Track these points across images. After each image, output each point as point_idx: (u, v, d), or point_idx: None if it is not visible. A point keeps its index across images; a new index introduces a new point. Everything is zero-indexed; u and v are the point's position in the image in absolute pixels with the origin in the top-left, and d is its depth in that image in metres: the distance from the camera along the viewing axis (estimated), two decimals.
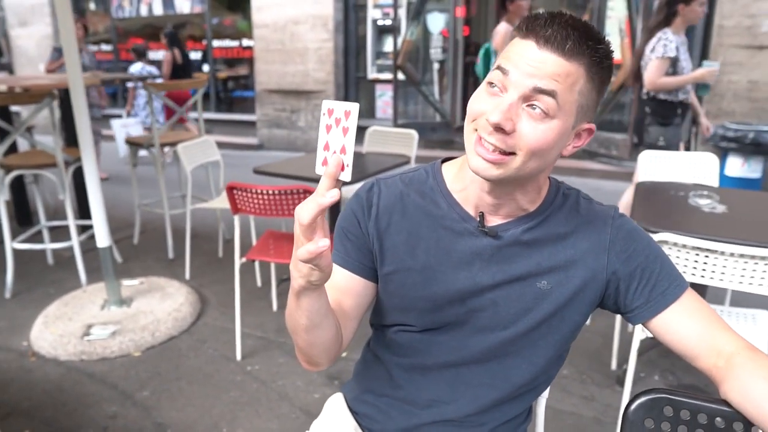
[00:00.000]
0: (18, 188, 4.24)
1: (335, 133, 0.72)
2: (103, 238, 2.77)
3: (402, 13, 6.84)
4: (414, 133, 3.47)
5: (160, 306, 2.84)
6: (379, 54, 7.33)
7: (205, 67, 8.71)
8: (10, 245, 3.17)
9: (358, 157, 3.34)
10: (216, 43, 8.52)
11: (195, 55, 8.83)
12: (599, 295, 0.93)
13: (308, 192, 2.18)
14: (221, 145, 3.80)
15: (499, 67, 0.80)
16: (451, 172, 0.97)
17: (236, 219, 2.44)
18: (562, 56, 0.77)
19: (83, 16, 9.96)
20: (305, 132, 7.61)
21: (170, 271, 3.42)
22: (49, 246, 3.39)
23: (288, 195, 2.22)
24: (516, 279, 0.92)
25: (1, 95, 3.18)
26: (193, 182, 3.34)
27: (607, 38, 0.81)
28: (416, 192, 0.97)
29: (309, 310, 0.82)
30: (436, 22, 6.82)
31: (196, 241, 3.76)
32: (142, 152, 5.03)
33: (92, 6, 9.99)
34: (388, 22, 7.03)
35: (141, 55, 7.03)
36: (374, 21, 7.16)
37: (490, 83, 0.81)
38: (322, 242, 0.70)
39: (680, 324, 0.90)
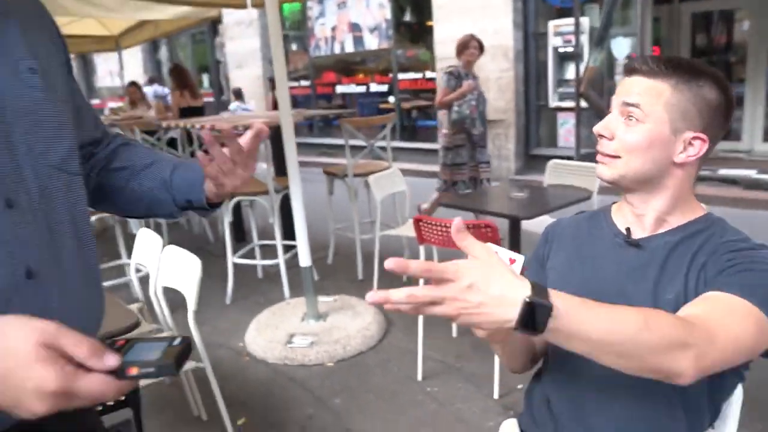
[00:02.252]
0: (236, 211, 4.94)
1: None
2: (305, 259, 3.15)
3: (584, 39, 6.69)
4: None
5: (352, 323, 3.14)
6: (560, 82, 7.22)
7: (391, 99, 9.30)
8: (231, 259, 3.73)
9: (538, 190, 3.38)
10: (401, 75, 9.07)
11: (381, 88, 9.49)
12: None
13: (489, 227, 2.29)
14: (405, 172, 4.07)
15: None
16: (616, 206, 1.17)
17: (421, 248, 2.64)
18: (644, 76, 1.02)
19: (286, 56, 11.26)
20: None
21: (359, 291, 3.75)
22: (259, 262, 3.92)
23: (471, 229, 2.35)
24: (653, 281, 1.03)
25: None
26: (384, 208, 3.64)
27: (708, 69, 1.02)
28: (587, 221, 1.19)
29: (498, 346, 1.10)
30: (622, 46, 6.55)
31: (382, 263, 4.06)
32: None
33: (294, 47, 11.23)
34: (570, 49, 6.91)
35: (238, 95, 8.34)
36: (555, 48, 7.09)
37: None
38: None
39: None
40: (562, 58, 7.13)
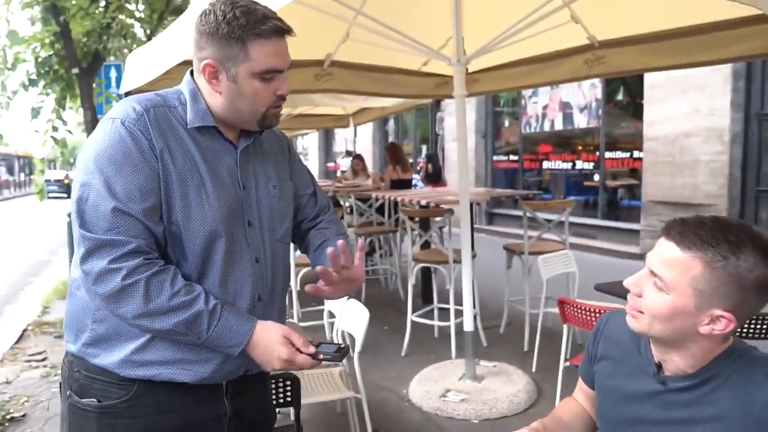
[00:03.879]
0: (426, 275, 5.53)
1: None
2: (468, 325, 3.56)
3: None
4: None
5: (503, 388, 3.44)
6: None
7: (596, 177, 9.28)
8: (410, 317, 4.29)
9: None
10: (608, 154, 9.03)
11: (587, 165, 9.52)
12: None
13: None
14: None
15: None
16: None
17: (565, 327, 2.88)
18: (677, 245, 1.05)
19: (499, 131, 11.91)
20: None
21: (521, 361, 4.00)
22: (435, 323, 4.41)
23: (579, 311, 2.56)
24: (674, 422, 1.14)
25: (419, 209, 4.43)
26: (556, 286, 3.89)
27: (755, 240, 1.00)
28: (629, 332, 1.21)
29: None
30: None
31: (548, 338, 4.24)
32: None
33: (506, 123, 11.85)
34: None
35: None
36: None
37: None
38: None
39: None
40: None
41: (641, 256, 7.87)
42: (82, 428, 1.29)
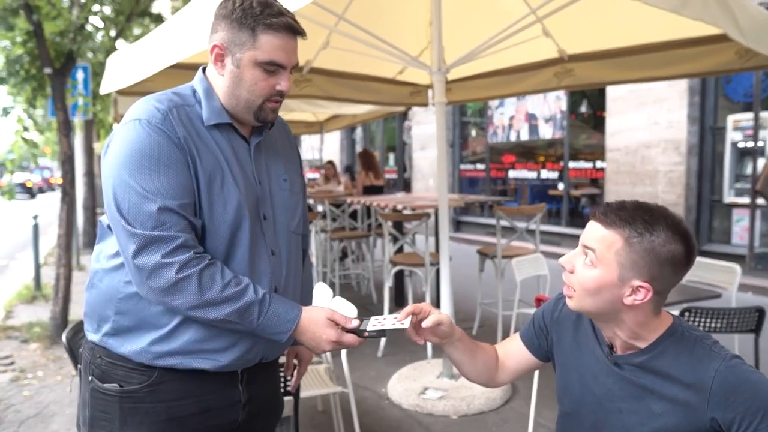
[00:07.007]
0: (399, 278, 5.63)
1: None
2: None
3: (766, 135, 6.47)
4: (735, 267, 3.47)
5: (479, 386, 3.54)
6: (738, 177, 6.97)
7: (560, 186, 9.57)
8: None
9: None
10: (572, 164, 9.33)
11: (552, 174, 9.81)
12: None
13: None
14: None
15: None
16: None
17: None
18: (601, 224, 1.18)
19: (466, 141, 12.16)
20: None
21: None
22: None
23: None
24: (633, 397, 1.22)
25: (396, 213, 4.53)
26: (527, 289, 4.04)
27: (668, 219, 1.14)
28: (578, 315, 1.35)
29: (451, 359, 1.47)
30: None
31: None
32: None
33: (473, 132, 12.10)
34: (750, 144, 6.70)
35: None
36: (734, 143, 6.91)
37: None
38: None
39: None
40: (742, 153, 6.92)
41: None
42: (105, 412, 1.32)
